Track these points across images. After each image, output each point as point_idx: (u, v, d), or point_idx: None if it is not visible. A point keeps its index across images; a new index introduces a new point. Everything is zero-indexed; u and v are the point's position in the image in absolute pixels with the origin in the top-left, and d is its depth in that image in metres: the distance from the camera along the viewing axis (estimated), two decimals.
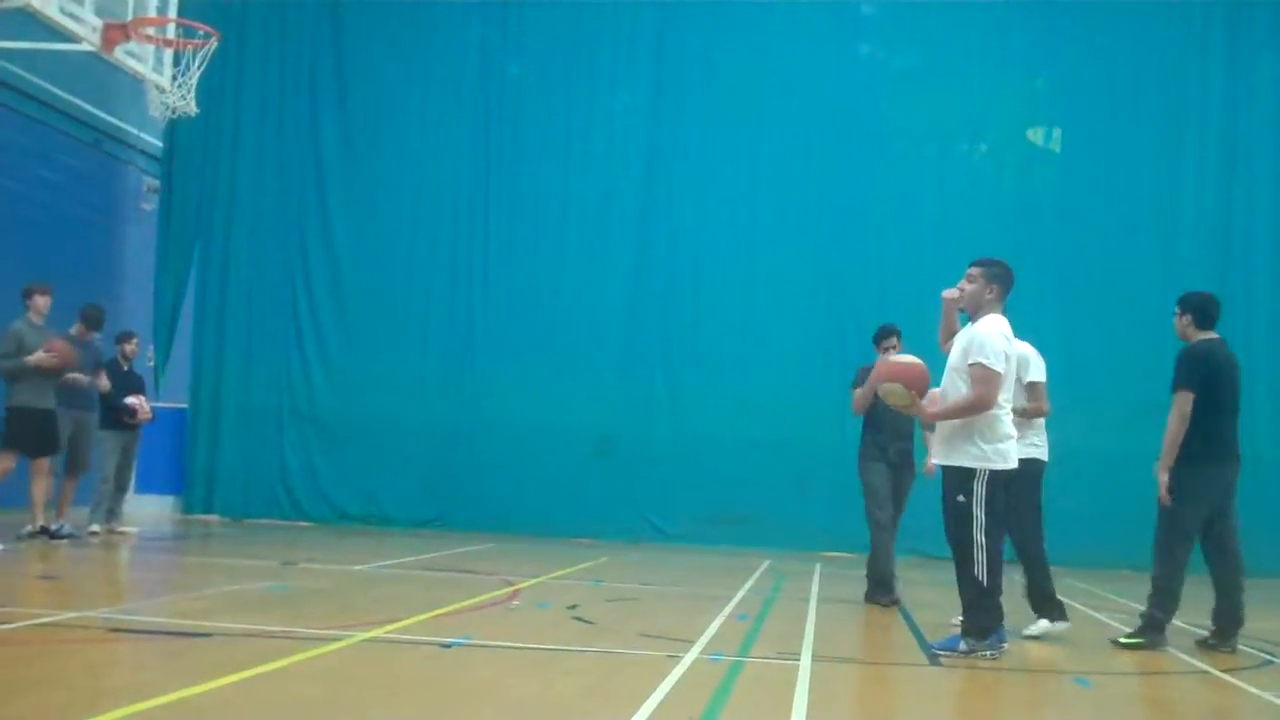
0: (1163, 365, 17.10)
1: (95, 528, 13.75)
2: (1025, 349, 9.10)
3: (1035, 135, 18.28)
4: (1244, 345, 17.15)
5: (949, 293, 8.37)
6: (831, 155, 17.99)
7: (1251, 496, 16.57)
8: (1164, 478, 8.63)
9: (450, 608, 9.22)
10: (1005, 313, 8.26)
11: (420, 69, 18.83)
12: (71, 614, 8.00)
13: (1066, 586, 10.73)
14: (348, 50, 18.98)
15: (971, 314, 8.20)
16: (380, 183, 18.78)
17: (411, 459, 18.12)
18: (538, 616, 9.26)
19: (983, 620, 7.94)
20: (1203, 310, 8.95)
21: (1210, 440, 8.66)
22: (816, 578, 13.26)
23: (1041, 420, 9.25)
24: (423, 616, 8.63)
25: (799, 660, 7.51)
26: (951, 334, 8.37)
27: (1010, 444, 8.03)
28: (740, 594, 11.18)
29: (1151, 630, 8.71)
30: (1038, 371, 9.20)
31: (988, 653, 7.89)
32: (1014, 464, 8.04)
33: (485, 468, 17.91)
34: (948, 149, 18.18)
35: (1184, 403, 8.61)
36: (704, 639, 8.17)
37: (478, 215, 18.63)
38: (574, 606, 9.66)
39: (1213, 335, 8.97)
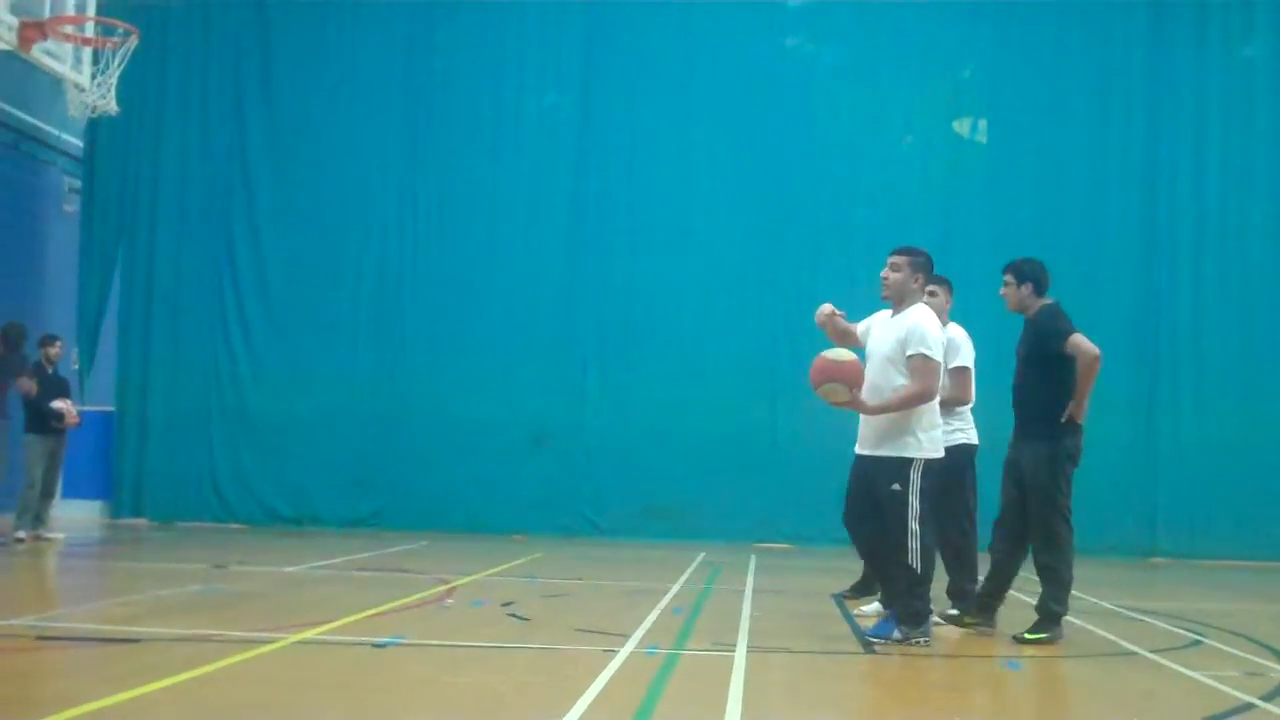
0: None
1: (21, 534, 13.55)
2: (956, 333, 9.16)
3: (962, 126, 18.41)
4: (1169, 335, 17.53)
5: (823, 314, 8.36)
6: (761, 148, 18.04)
7: (1174, 482, 17.13)
8: (1080, 407, 8.46)
9: (383, 607, 9.16)
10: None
11: (346, 64, 18.63)
12: None
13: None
14: (273, 45, 18.74)
15: (896, 303, 8.18)
16: (307, 179, 18.59)
17: (343, 458, 17.98)
18: (472, 614, 9.23)
19: (917, 607, 7.98)
20: (1039, 278, 8.76)
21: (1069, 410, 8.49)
22: (751, 569, 13.30)
23: (967, 406, 9.21)
24: (355, 617, 8.57)
25: (734, 651, 7.53)
26: (844, 334, 8.37)
27: (939, 432, 8.10)
28: (675, 587, 11.19)
29: (1051, 623, 8.41)
30: (966, 357, 9.14)
31: (921, 639, 7.94)
32: (942, 452, 8.10)
33: (418, 465, 17.81)
34: (876, 140, 18.23)
35: (1083, 342, 8.42)
36: (639, 633, 8.17)
37: (406, 210, 18.50)
38: (509, 603, 9.63)
39: (1049, 300, 8.79)
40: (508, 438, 17.69)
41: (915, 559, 7.87)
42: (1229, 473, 16.96)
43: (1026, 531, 8.58)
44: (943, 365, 8.19)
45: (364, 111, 18.59)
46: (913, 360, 7.94)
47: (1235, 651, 8.36)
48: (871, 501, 8.05)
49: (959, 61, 18.38)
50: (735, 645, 7.78)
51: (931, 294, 9.09)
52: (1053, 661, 7.95)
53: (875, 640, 8.02)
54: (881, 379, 8.04)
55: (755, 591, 11.13)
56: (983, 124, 18.33)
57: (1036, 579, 8.66)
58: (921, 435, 7.95)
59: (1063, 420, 8.43)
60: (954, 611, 8.97)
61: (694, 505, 17.18)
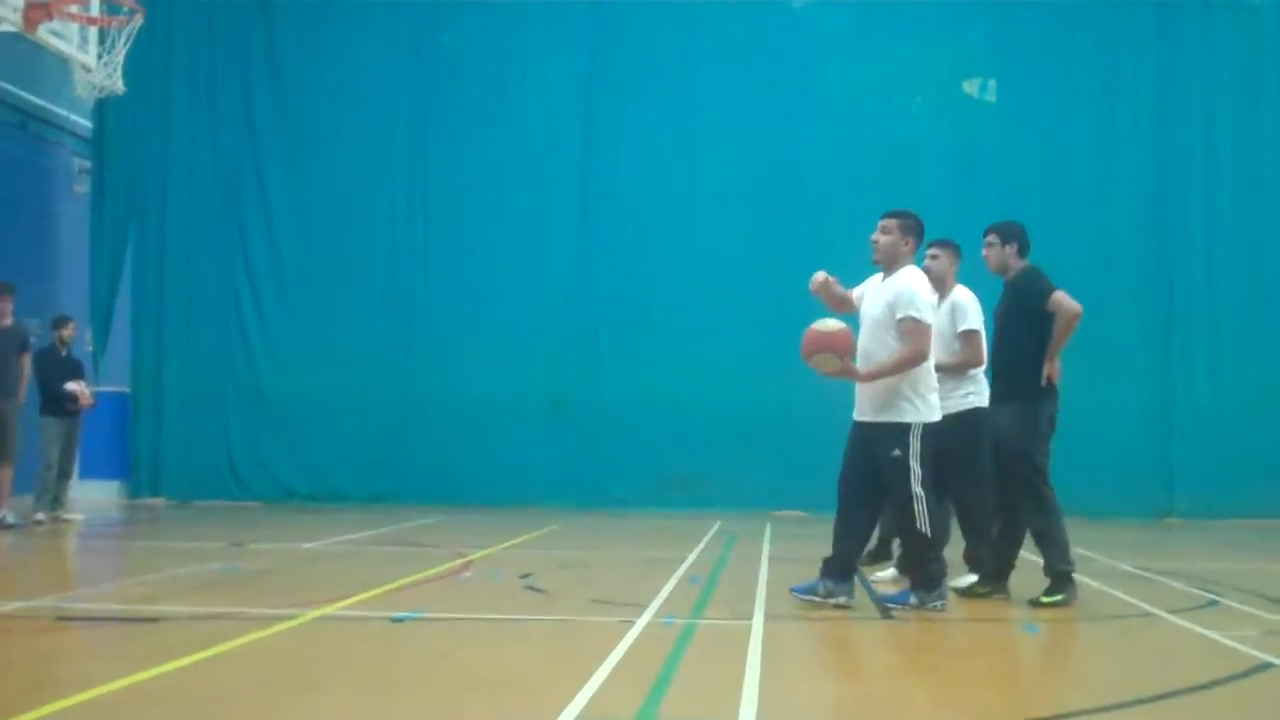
0: (1100, 313, 17.39)
1: (40, 516, 13.62)
2: (963, 296, 9.11)
3: (971, 87, 18.33)
4: (1183, 294, 17.47)
5: (816, 281, 8.29)
6: (770, 112, 17.98)
7: (1188, 442, 17.10)
8: (1054, 365, 8.39)
9: (402, 582, 9.19)
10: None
11: (353, 38, 18.60)
12: (17, 604, 7.91)
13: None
14: (279, 23, 18.70)
15: (887, 267, 8.11)
16: (317, 156, 18.57)
17: (359, 434, 18.02)
18: (490, 587, 9.26)
19: (931, 570, 7.98)
20: (1025, 238, 8.68)
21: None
22: (767, 537, 13.33)
23: (980, 369, 9.12)
24: (374, 592, 8.60)
25: (751, 620, 7.54)
26: (840, 300, 8.31)
27: (936, 396, 8.04)
28: (692, 557, 11.22)
29: (1065, 583, 8.38)
30: (974, 320, 9.01)
31: (938, 604, 7.94)
32: (939, 416, 8.02)
33: (434, 439, 17.83)
34: (885, 103, 18.19)
35: (1065, 299, 8.32)
36: (656, 603, 8.19)
37: (416, 186, 18.49)
38: (526, 575, 9.66)
39: (1029, 263, 8.70)
40: (523, 411, 17.71)
41: (924, 523, 7.84)
42: (1244, 432, 16.94)
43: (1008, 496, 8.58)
44: (934, 328, 8.04)
45: (373, 88, 18.57)
46: (903, 324, 7.86)
47: (1252, 611, 8.36)
48: (871, 468, 7.99)
49: (968, 22, 18.28)
50: (753, 614, 7.79)
51: (934, 257, 9.11)
52: (1070, 624, 7.96)
53: (893, 607, 8.02)
54: (875, 344, 7.97)
55: (771, 559, 11.15)
56: (992, 84, 18.26)
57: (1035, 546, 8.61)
58: (918, 400, 7.89)
59: (1042, 383, 8.37)
60: (964, 584, 8.93)
61: (709, 475, 17.19)
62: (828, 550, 8.04)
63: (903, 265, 8.07)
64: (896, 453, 7.84)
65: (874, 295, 8.13)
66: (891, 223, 8.12)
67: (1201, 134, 17.62)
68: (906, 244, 8.11)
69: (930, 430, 7.91)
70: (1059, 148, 17.63)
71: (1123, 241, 17.50)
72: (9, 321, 13.51)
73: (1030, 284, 8.50)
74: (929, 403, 7.95)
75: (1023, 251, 8.68)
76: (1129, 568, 10.86)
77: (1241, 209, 17.54)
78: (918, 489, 7.83)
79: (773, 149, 17.89)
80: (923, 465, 7.85)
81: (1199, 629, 7.54)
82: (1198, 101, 17.65)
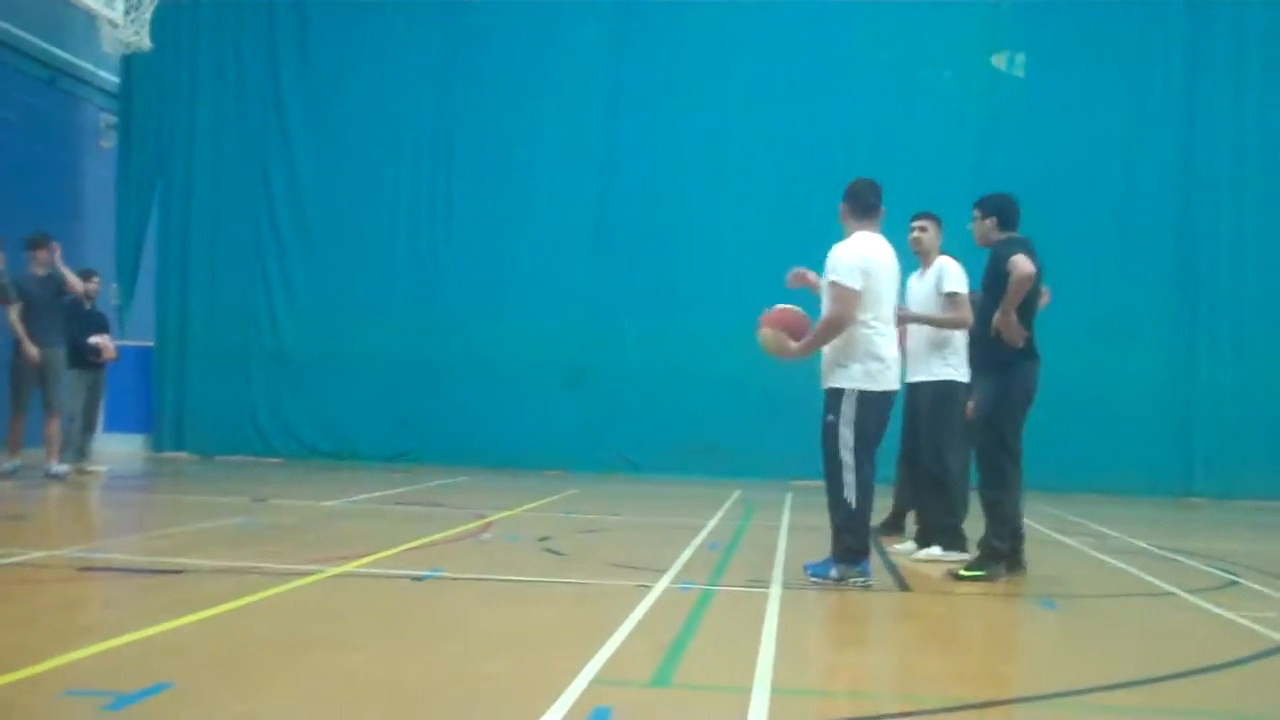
0: (1123, 290, 17.35)
1: (64, 467, 13.70)
2: (948, 263, 9.11)
3: (1000, 60, 18.21)
4: (1208, 273, 17.38)
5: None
6: (798, 84, 17.92)
7: (1210, 422, 17.04)
8: (1011, 319, 8.12)
9: (421, 541, 9.24)
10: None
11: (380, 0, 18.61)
12: (40, 553, 7.97)
13: (1035, 511, 10.77)
14: None
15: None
16: (342, 115, 18.60)
17: (381, 394, 18.10)
18: (509, 548, 9.30)
19: (853, 543, 7.75)
20: (1005, 212, 8.53)
21: (1027, 336, 8.29)
22: (787, 506, 13.35)
23: (961, 341, 9.02)
24: (394, 550, 8.64)
25: (769, 588, 7.56)
26: (817, 286, 8.28)
27: (880, 365, 7.76)
28: (711, 523, 11.25)
29: (991, 560, 8.26)
30: (958, 283, 8.99)
31: (858, 579, 7.73)
32: (888, 386, 7.80)
33: (455, 401, 17.90)
34: (913, 75, 18.10)
35: (1021, 260, 8.08)
36: (675, 568, 8.21)
37: (441, 147, 18.51)
38: (545, 538, 9.70)
39: (1014, 234, 8.54)
40: (545, 375, 17.77)
41: (851, 493, 7.67)
42: (1266, 412, 16.91)
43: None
44: (882, 294, 7.80)
45: (399, 49, 18.56)
46: (830, 288, 7.80)
47: (1272, 592, 8.34)
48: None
49: None
50: (770, 582, 7.81)
51: (922, 229, 9.33)
52: (1086, 600, 7.96)
53: (816, 580, 7.78)
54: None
55: (791, 528, 11.17)
56: (1020, 58, 18.13)
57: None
58: (855, 366, 7.72)
59: (1022, 341, 8.20)
60: (924, 555, 8.93)
61: (730, 442, 17.21)
62: None
63: (849, 233, 8.04)
64: (830, 417, 7.75)
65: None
66: (843, 204, 8.12)
67: (1230, 110, 17.50)
68: (850, 214, 8.12)
69: (868, 399, 7.73)
70: (1086, 123, 17.53)
71: (1148, 219, 17.41)
72: (43, 272, 13.60)
73: (1002, 250, 8.35)
74: (868, 371, 7.73)
75: (1004, 225, 8.53)
76: (1148, 546, 10.85)
77: (1269, 187, 17.41)
78: (847, 457, 7.68)
79: (798, 121, 17.83)
80: (857, 434, 7.69)
81: (1217, 609, 7.53)
82: (1226, 77, 17.52)
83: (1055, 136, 17.44)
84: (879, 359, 7.76)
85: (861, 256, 7.81)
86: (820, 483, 8.06)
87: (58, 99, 17.95)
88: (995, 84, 18.13)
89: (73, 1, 15.34)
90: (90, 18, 16.21)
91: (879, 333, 7.78)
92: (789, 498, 14.35)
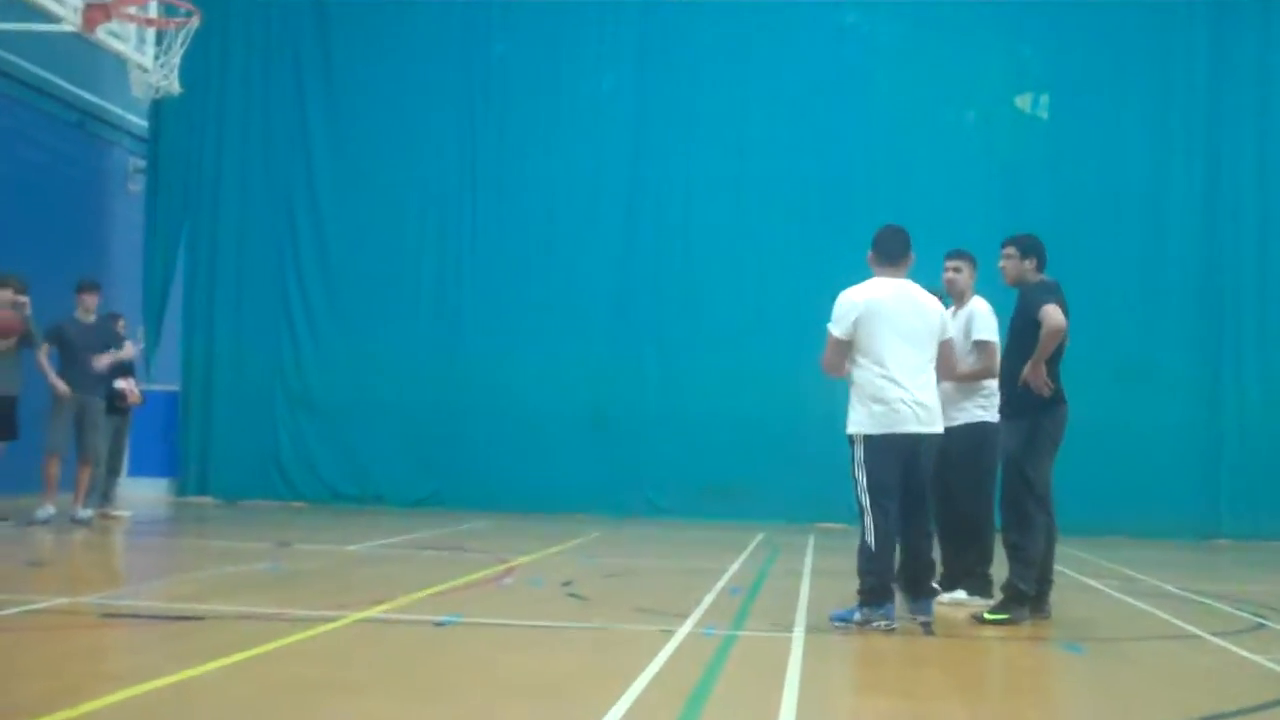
0: (1148, 331, 17.27)
1: (88, 512, 13.74)
2: (980, 307, 9.04)
3: (1023, 102, 18.25)
4: (1233, 312, 17.30)
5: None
6: (820, 127, 17.97)
7: (1237, 463, 16.93)
8: (1041, 371, 8.06)
9: (444, 586, 9.23)
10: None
11: (405, 47, 18.75)
12: (64, 600, 7.99)
13: (1062, 555, 10.62)
14: (333, 28, 18.89)
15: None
16: (368, 161, 18.72)
17: (405, 437, 18.13)
18: (532, 593, 9.28)
19: (875, 585, 7.72)
20: (1043, 254, 8.53)
21: (1056, 382, 8.23)
22: (810, 549, 13.29)
23: (993, 383, 8.90)
24: (417, 595, 8.64)
25: (792, 633, 7.53)
26: None
27: (883, 408, 7.74)
28: (734, 567, 11.21)
29: (1016, 604, 8.19)
30: (989, 330, 8.91)
31: (882, 623, 7.68)
32: (894, 429, 7.74)
33: (479, 445, 17.92)
34: (936, 117, 18.13)
35: (1052, 311, 8.05)
36: (697, 613, 8.18)
37: (465, 192, 18.60)
38: (568, 583, 9.68)
39: (1045, 278, 8.51)
40: (568, 419, 17.76)
41: (870, 535, 7.70)
42: None
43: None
44: (878, 337, 7.79)
45: (423, 93, 18.69)
46: None
47: None
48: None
49: (1020, 35, 18.21)
50: (793, 626, 7.77)
51: (956, 270, 9.16)
52: (1113, 644, 7.90)
53: (840, 626, 7.76)
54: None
55: (814, 572, 11.12)
56: (1044, 99, 18.16)
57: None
58: (860, 410, 7.81)
59: (1049, 392, 8.15)
60: (948, 599, 8.81)
61: (753, 485, 17.17)
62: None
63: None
64: (851, 463, 7.88)
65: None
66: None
67: (1254, 150, 17.49)
68: (871, 258, 8.25)
69: (874, 443, 7.76)
70: (1111, 163, 17.55)
71: (1174, 259, 17.39)
72: (93, 318, 13.70)
73: (1034, 296, 8.32)
74: (874, 414, 7.75)
75: (1041, 266, 8.57)
76: (1174, 588, 10.76)
77: None
78: (863, 500, 7.75)
79: (821, 163, 17.87)
80: (869, 478, 7.75)
81: (1243, 652, 7.46)
82: (1250, 118, 17.52)
83: (1079, 177, 17.46)
84: (882, 402, 7.75)
85: (852, 302, 7.89)
86: (843, 526, 8.08)
87: (87, 142, 18.13)
88: (1018, 125, 18.15)
89: (103, 46, 15.50)
90: (120, 62, 16.38)
91: (881, 374, 7.77)
92: (811, 540, 14.28)
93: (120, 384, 14.11)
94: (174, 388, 18.71)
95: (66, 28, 14.76)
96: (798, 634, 7.50)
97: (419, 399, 18.15)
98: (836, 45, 18.15)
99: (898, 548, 7.92)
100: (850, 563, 7.86)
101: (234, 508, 17.43)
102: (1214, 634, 8.15)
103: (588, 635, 7.53)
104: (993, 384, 8.96)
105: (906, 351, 7.84)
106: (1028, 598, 8.26)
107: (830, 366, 7.99)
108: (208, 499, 18.17)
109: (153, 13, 15.93)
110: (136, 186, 19.18)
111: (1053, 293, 8.30)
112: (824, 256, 17.42)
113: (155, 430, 17.87)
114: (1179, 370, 17.16)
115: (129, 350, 14.26)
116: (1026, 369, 8.11)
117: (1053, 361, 8.23)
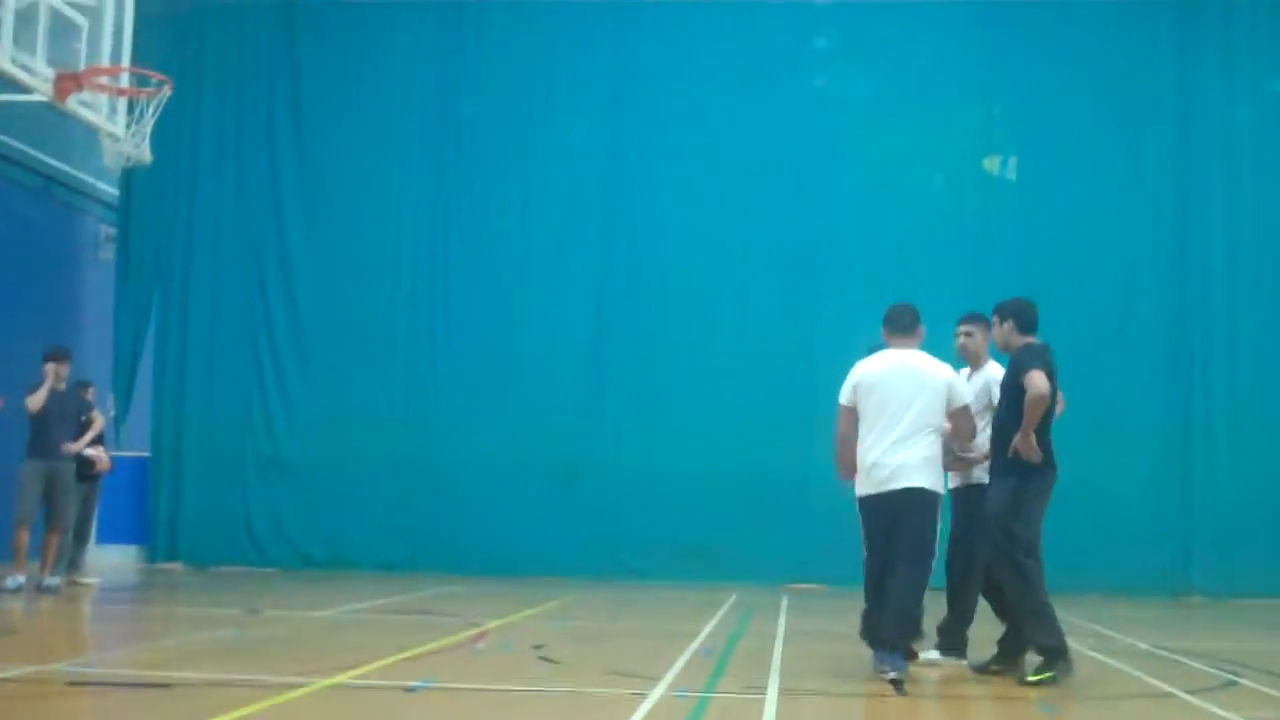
0: (1118, 388, 17.35)
1: (56, 579, 13.61)
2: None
3: (992, 165, 18.39)
4: (1202, 368, 17.41)
5: None
6: (790, 188, 18.09)
7: (1208, 519, 16.97)
8: (1030, 440, 8.15)
9: (415, 651, 9.16)
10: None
11: (377, 110, 18.79)
12: (30, 668, 7.89)
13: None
14: (304, 93, 18.93)
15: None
16: (340, 223, 18.73)
17: (377, 501, 18.02)
18: (503, 657, 9.22)
19: (865, 636, 8.49)
20: (1022, 315, 8.60)
21: (1045, 446, 8.31)
22: (783, 610, 13.25)
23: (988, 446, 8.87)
24: (387, 661, 8.57)
25: (765, 694, 7.50)
26: None
27: (863, 474, 8.32)
28: (707, 629, 11.16)
29: (1053, 662, 8.15)
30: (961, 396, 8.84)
31: (884, 671, 8.03)
32: (869, 490, 8.27)
33: (451, 508, 17.81)
34: (905, 179, 18.23)
35: (1036, 377, 8.12)
36: (670, 675, 8.15)
37: (438, 253, 18.62)
38: (540, 646, 9.62)
39: (1034, 340, 8.61)
40: (539, 481, 17.69)
41: (864, 587, 8.46)
42: (1266, 508, 16.78)
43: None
44: (874, 406, 8.29)
45: (395, 159, 18.74)
46: None
47: (1273, 692, 8.27)
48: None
49: (988, 97, 18.37)
50: (766, 688, 7.74)
51: (968, 334, 9.20)
52: (1086, 703, 7.88)
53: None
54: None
55: (788, 633, 11.08)
56: (1012, 162, 18.31)
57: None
58: (858, 475, 8.39)
59: (1039, 459, 8.23)
60: (923, 658, 8.83)
61: (726, 546, 17.07)
62: (841, 624, 8.04)
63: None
64: None
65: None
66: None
67: (1222, 210, 17.63)
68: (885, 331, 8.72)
69: (865, 504, 8.35)
70: (1081, 225, 17.65)
71: (1143, 316, 17.50)
72: (64, 386, 13.65)
73: (1020, 360, 8.41)
74: (861, 478, 8.36)
75: (1022, 328, 8.61)
76: (1146, 646, 10.76)
77: (1263, 285, 17.49)
78: (866, 556, 8.41)
79: (791, 224, 17.97)
80: (865, 538, 8.40)
81: (1217, 710, 7.46)
82: (1219, 177, 17.68)
83: (1049, 238, 17.55)
84: (863, 467, 8.32)
85: (854, 374, 8.49)
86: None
87: (57, 210, 18.13)
88: (988, 187, 18.28)
89: (74, 115, 15.51)
90: (92, 131, 16.37)
91: (865, 442, 8.34)
92: (785, 601, 14.24)
93: (90, 451, 14.02)
94: (144, 454, 18.59)
95: (38, 97, 14.77)
96: (770, 695, 7.47)
97: (391, 463, 18.06)
98: (806, 108, 18.25)
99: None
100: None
101: (204, 574, 17.27)
102: (1188, 692, 8.14)
103: (560, 699, 7.49)
104: (988, 446, 8.97)
105: (889, 420, 8.27)
106: (1062, 651, 8.21)
107: (841, 433, 8.48)
108: (177, 565, 18.00)
109: (125, 83, 15.95)
110: (107, 254, 19.16)
111: (1039, 357, 8.38)
112: (797, 315, 17.62)
113: (125, 497, 17.74)
114: (1150, 427, 17.22)
115: (99, 424, 14.19)
116: (1016, 439, 8.19)
117: (1042, 427, 8.31)
